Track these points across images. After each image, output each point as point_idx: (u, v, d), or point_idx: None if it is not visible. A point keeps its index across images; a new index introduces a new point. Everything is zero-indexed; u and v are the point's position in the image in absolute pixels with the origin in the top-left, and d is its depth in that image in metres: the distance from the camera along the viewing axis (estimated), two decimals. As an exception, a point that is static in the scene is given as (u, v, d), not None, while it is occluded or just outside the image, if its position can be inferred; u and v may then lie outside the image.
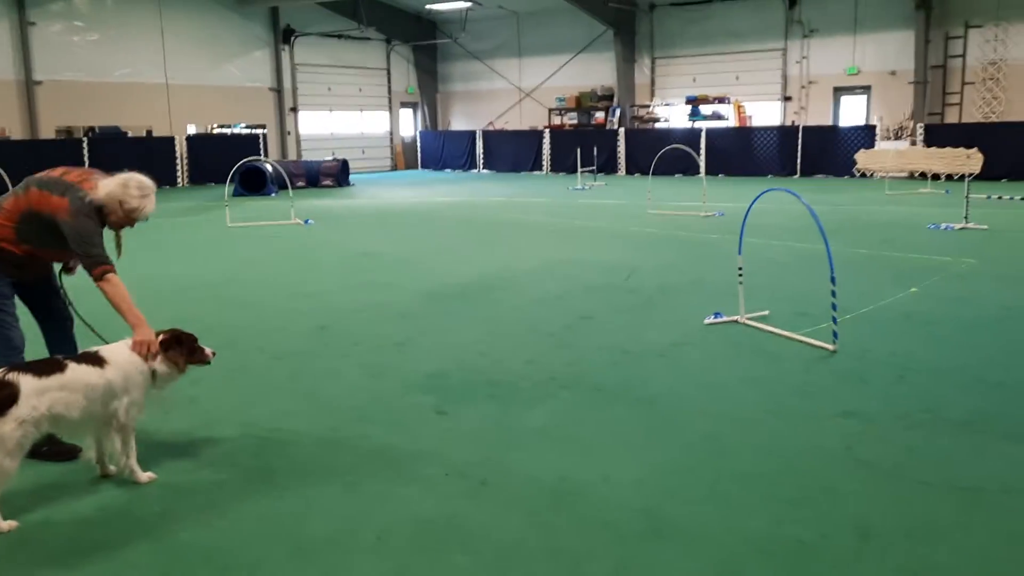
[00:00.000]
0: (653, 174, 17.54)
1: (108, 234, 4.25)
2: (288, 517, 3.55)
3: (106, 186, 4.12)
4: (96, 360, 3.78)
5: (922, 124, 21.19)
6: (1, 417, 3.42)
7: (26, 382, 3.51)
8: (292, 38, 26.64)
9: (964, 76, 21.88)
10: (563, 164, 25.96)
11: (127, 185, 4.12)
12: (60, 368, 3.66)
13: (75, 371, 3.69)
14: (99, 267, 4.06)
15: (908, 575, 3.06)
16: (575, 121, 27.99)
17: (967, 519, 3.45)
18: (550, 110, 28.42)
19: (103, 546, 3.33)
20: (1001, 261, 9.32)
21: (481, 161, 28.19)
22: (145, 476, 3.89)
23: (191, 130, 24.15)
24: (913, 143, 20.95)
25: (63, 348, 4.31)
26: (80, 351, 4.06)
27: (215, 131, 24.91)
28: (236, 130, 25.16)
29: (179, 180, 22.72)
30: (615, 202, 16.92)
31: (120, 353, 3.88)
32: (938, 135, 20.36)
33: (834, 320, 5.90)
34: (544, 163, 26.80)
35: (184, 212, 16.14)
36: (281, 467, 4.06)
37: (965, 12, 21.55)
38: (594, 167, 23.31)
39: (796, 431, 4.44)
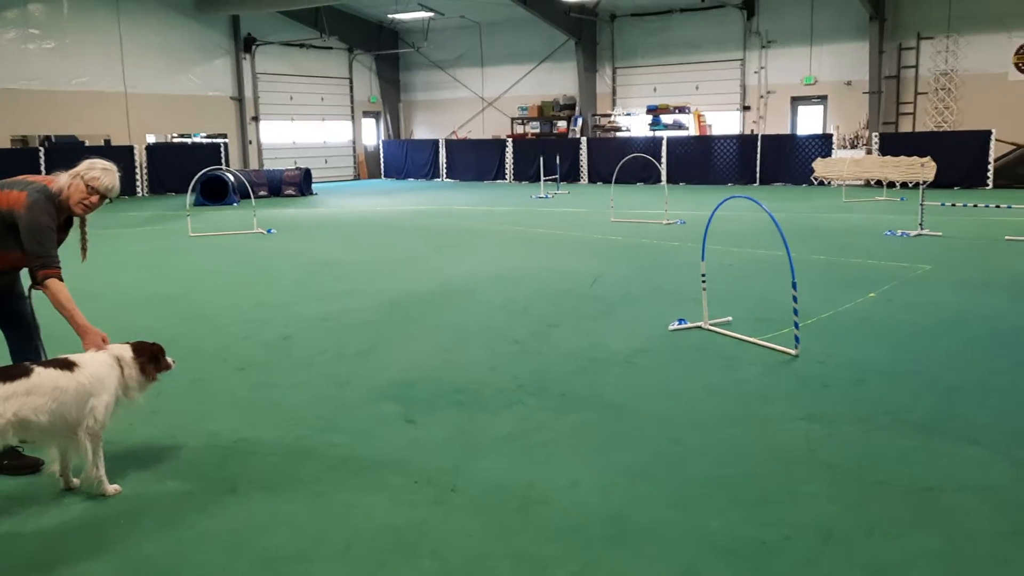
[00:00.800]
0: (615, 183, 17.69)
1: (73, 242, 4.19)
2: (254, 528, 3.52)
3: (67, 173, 4.13)
4: (66, 364, 3.75)
5: (877, 133, 21.65)
6: None
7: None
8: (253, 47, 26.43)
9: (917, 86, 22.42)
10: (526, 173, 26.07)
11: (92, 166, 4.16)
12: (26, 373, 3.61)
13: (42, 375, 3.64)
14: (46, 269, 4.03)
15: (870, 574, 3.13)
16: (537, 130, 28.13)
17: (925, 518, 3.53)
18: (512, 119, 28.53)
19: (66, 560, 3.28)
20: (956, 267, 9.55)
21: (444, 170, 28.19)
22: (111, 488, 3.83)
23: (151, 139, 23.82)
24: (869, 152, 21.40)
25: (29, 356, 4.23)
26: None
27: (175, 140, 24.59)
28: (197, 139, 24.87)
29: (139, 190, 22.38)
30: (578, 210, 17.03)
31: (92, 357, 3.85)
32: (893, 144, 20.82)
33: (796, 325, 6.00)
34: (507, 172, 26.89)
35: (144, 222, 15.91)
36: (246, 478, 4.02)
37: (917, 24, 22.10)
38: (557, 176, 23.44)
39: (759, 435, 4.50)
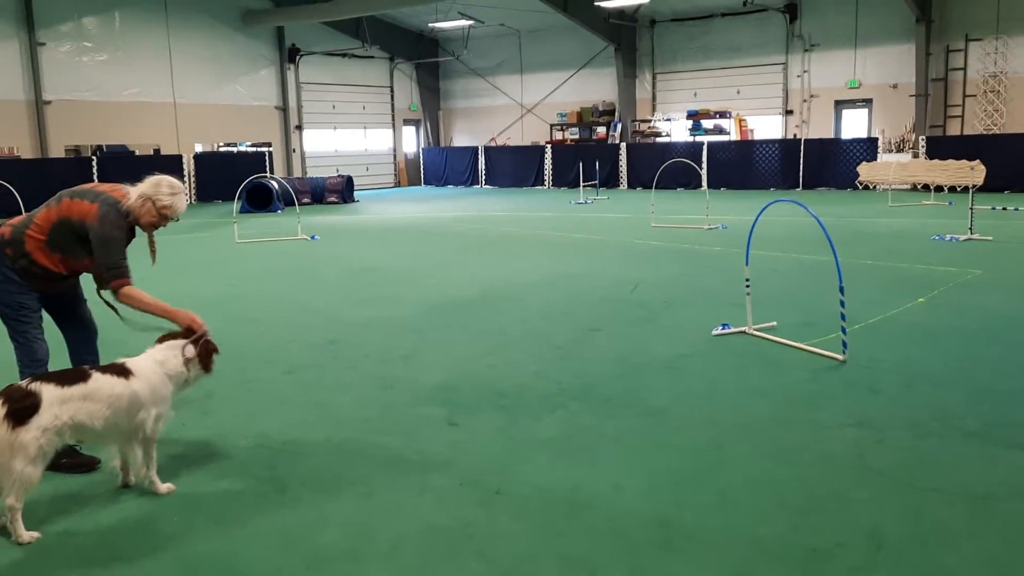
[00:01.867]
0: (655, 188, 17.61)
1: (140, 244, 4.30)
2: (303, 527, 3.57)
3: (137, 190, 4.23)
4: (122, 371, 3.82)
5: (924, 136, 21.26)
6: (23, 425, 3.45)
7: (49, 391, 3.55)
8: (297, 57, 26.84)
9: (965, 89, 21.97)
10: (565, 179, 26.07)
11: (159, 185, 4.25)
12: (84, 378, 3.70)
13: (99, 381, 3.72)
14: (119, 279, 4.15)
15: (922, 581, 3.07)
16: (576, 136, 28.11)
17: (979, 526, 3.46)
18: (551, 125, 28.55)
19: (121, 557, 3.36)
20: (1007, 272, 9.34)
21: (483, 177, 28.31)
22: (164, 487, 3.92)
23: (198, 148, 24.30)
24: (915, 155, 21.02)
25: (87, 358, 4.35)
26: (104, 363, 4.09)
27: (221, 149, 25.06)
28: (242, 148, 25.31)
29: (187, 198, 22.81)
30: (618, 216, 16.98)
31: (146, 365, 3.92)
32: (940, 147, 20.43)
33: (843, 330, 5.92)
34: (546, 178, 26.91)
35: (192, 229, 16.23)
36: (295, 478, 4.09)
37: (966, 25, 21.67)
38: (596, 181, 23.40)
39: (807, 440, 4.45)
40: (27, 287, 4.20)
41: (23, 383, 3.61)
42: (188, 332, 4.16)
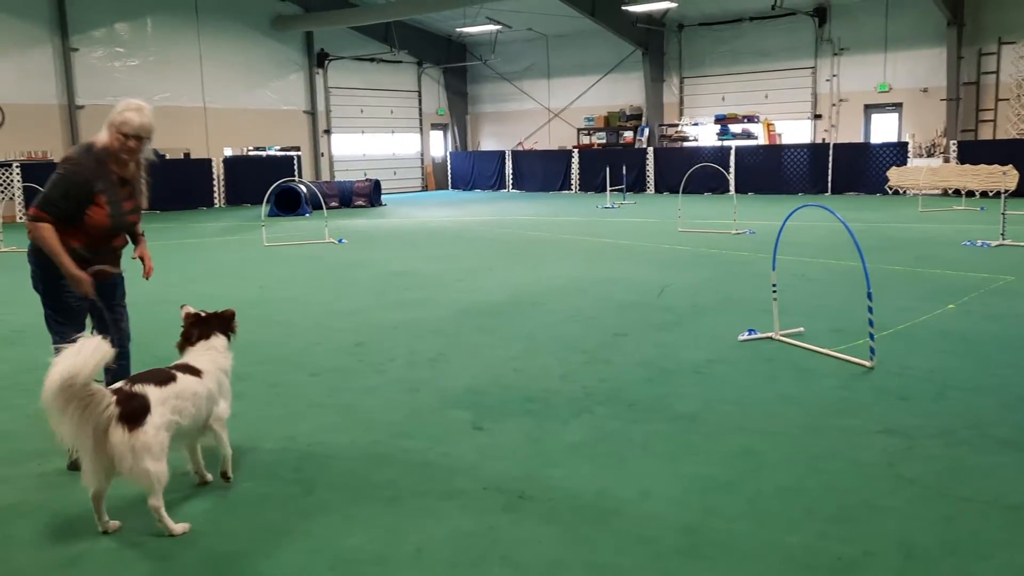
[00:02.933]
0: (683, 193, 17.53)
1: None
2: (329, 530, 3.59)
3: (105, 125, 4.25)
4: (193, 371, 3.94)
5: (955, 141, 20.98)
6: (140, 427, 3.52)
7: (152, 391, 3.65)
8: (326, 62, 27.07)
9: (998, 93, 21.66)
10: (592, 183, 26.04)
11: (120, 108, 4.24)
12: (172, 378, 3.80)
13: (184, 380, 3.83)
14: (36, 210, 4.15)
15: (954, 592, 3.03)
16: (604, 140, 28.08)
17: (1013, 537, 3.40)
18: (579, 130, 28.54)
19: (149, 555, 3.40)
20: (1041, 278, 9.18)
21: (510, 181, 28.36)
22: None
23: (228, 152, 24.58)
24: (946, 160, 20.75)
25: (118, 363, 4.35)
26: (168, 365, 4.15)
27: (251, 153, 25.33)
28: (271, 152, 25.57)
29: (216, 201, 23.12)
30: (645, 220, 16.93)
31: (210, 362, 4.06)
32: (972, 152, 20.16)
33: (871, 336, 5.86)
34: (573, 182, 26.89)
35: (221, 232, 16.41)
36: (322, 481, 4.11)
37: (998, 28, 21.36)
38: (623, 186, 23.35)
39: (836, 447, 4.41)
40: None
41: (122, 385, 3.67)
42: (197, 318, 4.25)
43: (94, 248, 4.34)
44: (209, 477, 4.12)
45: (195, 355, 4.09)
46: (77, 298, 4.33)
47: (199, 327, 4.20)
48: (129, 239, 4.61)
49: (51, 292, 4.34)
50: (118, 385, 3.66)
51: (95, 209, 4.23)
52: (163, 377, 3.77)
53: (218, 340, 4.19)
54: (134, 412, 3.52)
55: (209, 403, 3.94)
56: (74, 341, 3.51)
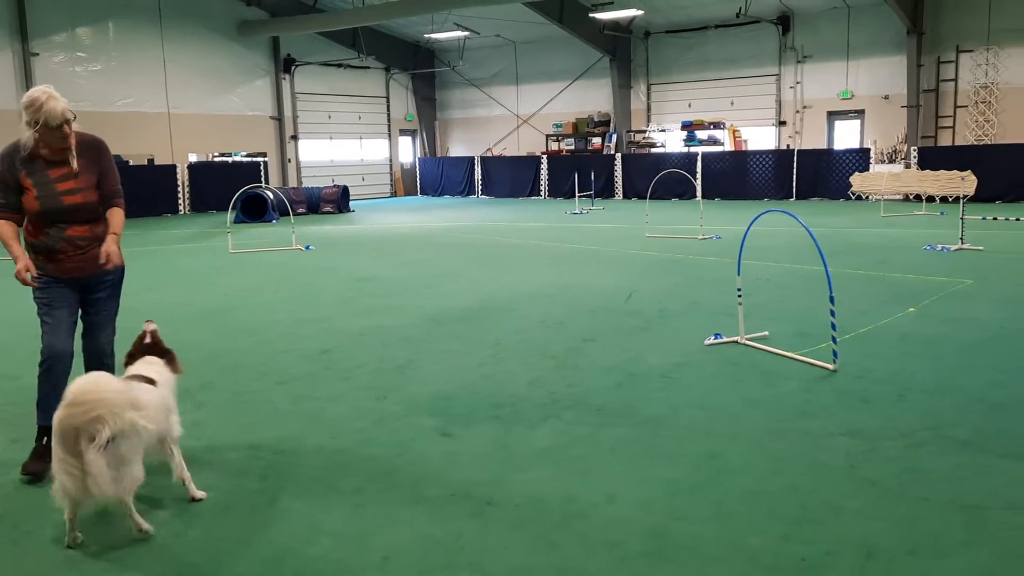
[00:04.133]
0: (650, 198, 17.67)
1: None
2: (295, 539, 3.56)
3: None
4: (148, 380, 3.92)
5: (916, 147, 21.37)
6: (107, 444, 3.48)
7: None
8: (292, 67, 26.90)
9: (956, 99, 22.10)
10: (560, 189, 26.13)
11: (35, 91, 4.22)
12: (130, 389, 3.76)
13: (143, 389, 3.80)
14: None
15: (913, 591, 3.08)
16: (572, 147, 28.19)
17: (971, 537, 3.47)
18: (547, 136, 28.64)
19: (114, 567, 3.35)
20: (998, 281, 9.38)
21: (480, 187, 28.36)
22: (200, 493, 4.00)
23: (192, 158, 24.29)
24: (907, 166, 21.12)
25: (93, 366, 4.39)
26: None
27: (216, 159, 25.07)
28: (237, 158, 25.33)
29: (181, 208, 22.83)
30: (613, 226, 17.03)
31: (162, 372, 4.05)
32: (932, 158, 20.53)
33: (834, 340, 5.95)
34: (542, 188, 26.97)
35: (186, 239, 16.22)
36: (287, 489, 4.08)
37: (956, 37, 21.81)
38: (591, 192, 23.46)
39: (799, 450, 4.46)
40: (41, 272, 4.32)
41: None
42: (142, 341, 4.27)
43: (42, 237, 4.30)
44: (202, 494, 4.00)
45: (143, 366, 4.06)
46: (52, 289, 4.32)
47: (147, 349, 4.22)
48: None
49: (38, 294, 4.36)
50: None
51: (27, 194, 4.27)
52: (126, 385, 3.72)
53: (155, 359, 4.18)
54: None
55: (164, 414, 3.89)
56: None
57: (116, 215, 4.43)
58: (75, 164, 4.30)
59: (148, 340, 4.27)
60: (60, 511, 3.52)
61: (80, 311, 4.48)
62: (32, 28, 20.93)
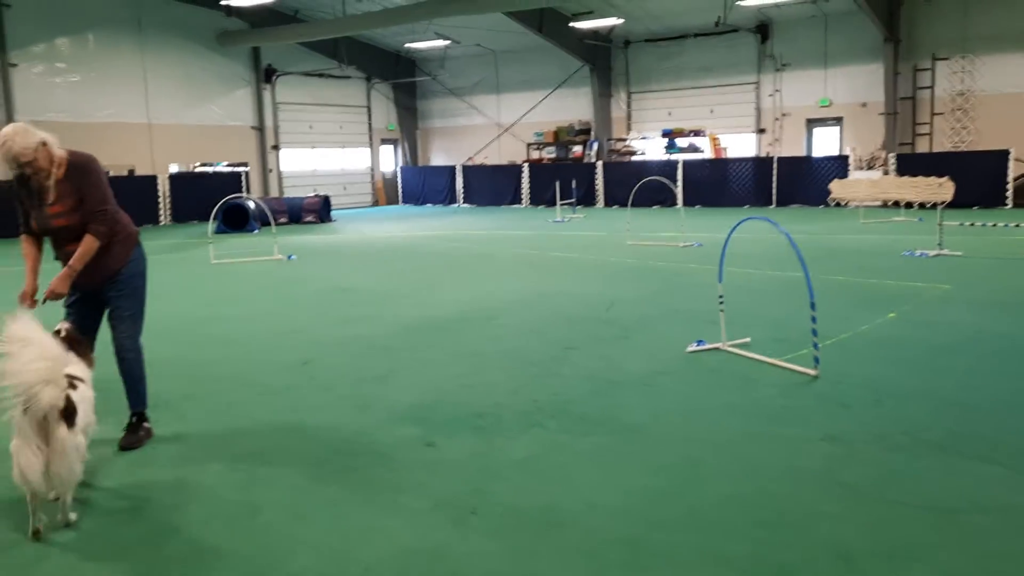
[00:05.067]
0: (631, 206, 17.74)
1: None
2: (277, 552, 3.56)
3: None
4: (77, 379, 4.04)
5: (894, 154, 21.62)
6: (75, 426, 3.74)
7: (73, 395, 3.79)
8: (273, 77, 26.86)
9: (933, 107, 22.39)
10: (542, 197, 26.20)
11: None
12: (74, 386, 3.90)
13: (81, 388, 3.97)
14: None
15: (888, 594, 3.12)
16: (553, 155, 28.31)
17: (945, 539, 3.52)
18: (528, 144, 28.73)
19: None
20: (975, 286, 9.50)
21: (461, 196, 28.40)
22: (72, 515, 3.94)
23: (173, 169, 24.18)
24: (885, 172, 21.36)
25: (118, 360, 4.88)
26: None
27: (197, 169, 24.96)
28: (218, 168, 25.23)
29: (162, 218, 22.70)
30: (594, 234, 17.09)
31: (85, 372, 4.20)
32: (910, 164, 20.77)
33: (815, 346, 6.00)
34: (523, 196, 27.03)
35: (167, 250, 16.13)
36: (268, 502, 4.07)
37: (932, 45, 22.12)
38: (573, 200, 23.54)
39: (777, 455, 4.51)
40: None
41: None
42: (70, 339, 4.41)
43: (54, 254, 4.74)
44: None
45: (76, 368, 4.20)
46: (73, 300, 4.77)
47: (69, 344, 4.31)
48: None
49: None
50: None
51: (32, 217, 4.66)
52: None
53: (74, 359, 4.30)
54: (70, 411, 3.71)
55: (91, 408, 4.09)
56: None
57: (84, 244, 4.61)
58: (51, 195, 4.57)
59: (63, 336, 4.38)
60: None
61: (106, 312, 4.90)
62: (10, 39, 20.79)
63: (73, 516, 3.82)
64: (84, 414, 3.89)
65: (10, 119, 20.79)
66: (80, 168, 4.63)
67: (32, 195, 4.59)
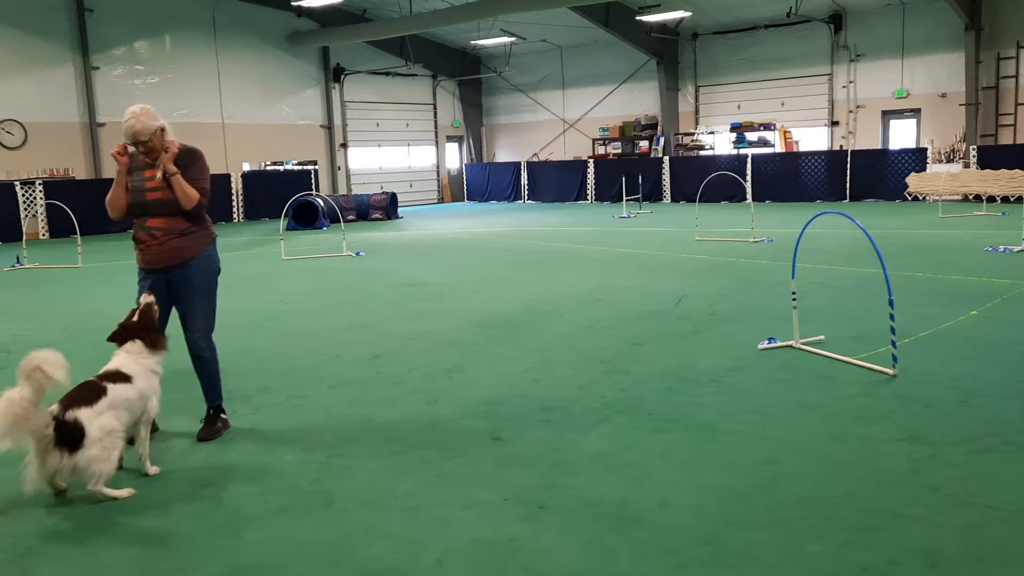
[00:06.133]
0: (699, 201, 17.48)
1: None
2: (351, 541, 3.60)
3: None
4: (123, 377, 4.27)
5: (975, 146, 20.81)
6: (81, 448, 3.94)
7: (84, 414, 3.99)
8: (342, 76, 27.28)
9: (1017, 97, 21.47)
10: (607, 193, 26.03)
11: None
12: (103, 391, 4.13)
13: (115, 391, 4.17)
14: None
15: (981, 601, 2.99)
16: (619, 150, 28.08)
17: (1040, 545, 3.36)
18: (594, 140, 28.56)
19: (172, 570, 3.42)
20: (1064, 283, 9.08)
21: (526, 192, 28.40)
22: (153, 469, 4.42)
23: (246, 167, 24.78)
24: (966, 165, 20.58)
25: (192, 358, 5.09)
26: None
27: (269, 168, 25.55)
28: (289, 166, 25.77)
29: (235, 216, 23.31)
30: (662, 230, 16.89)
31: (135, 365, 4.39)
32: (992, 157, 19.99)
33: (893, 344, 5.81)
34: (589, 193, 26.90)
35: (240, 246, 16.54)
36: (342, 492, 4.12)
37: (1017, 32, 21.21)
38: (639, 195, 23.32)
39: (858, 456, 4.37)
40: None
41: (56, 410, 3.99)
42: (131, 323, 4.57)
43: (131, 229, 5.02)
44: (155, 469, 4.42)
45: (122, 359, 4.42)
46: (144, 281, 4.96)
47: (126, 332, 4.53)
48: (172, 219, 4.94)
49: (139, 284, 5.02)
50: (53, 409, 3.98)
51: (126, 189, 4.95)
52: (94, 392, 4.10)
53: (135, 345, 4.49)
54: (68, 435, 3.90)
55: (142, 402, 4.32)
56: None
57: (185, 185, 4.91)
58: (159, 173, 4.86)
59: (135, 319, 4.56)
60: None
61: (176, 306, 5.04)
62: (92, 42, 21.58)
63: (121, 492, 4.13)
64: (117, 416, 4.12)
65: (92, 120, 21.61)
66: (190, 154, 4.99)
67: (135, 168, 4.92)
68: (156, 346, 4.55)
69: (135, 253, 4.97)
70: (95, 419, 4.00)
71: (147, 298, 4.67)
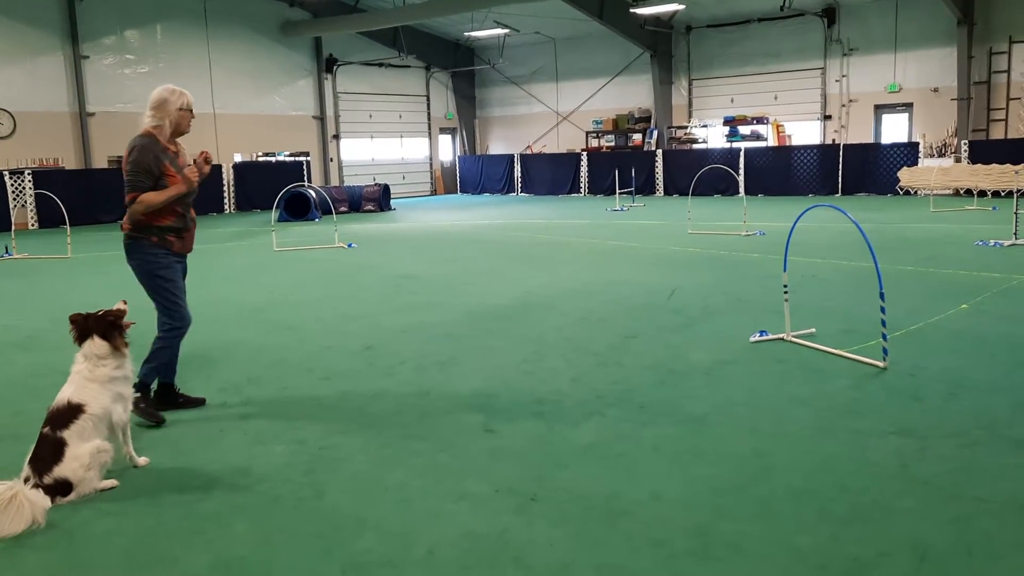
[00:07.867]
0: (692, 194, 17.49)
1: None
2: (341, 533, 3.59)
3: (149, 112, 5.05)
4: (75, 412, 4.08)
5: (966, 141, 20.87)
6: (66, 496, 3.97)
7: (65, 467, 3.96)
8: (334, 67, 27.17)
9: (1009, 92, 21.54)
10: (601, 186, 26.03)
11: (165, 89, 5.10)
12: (63, 444, 4.00)
13: (72, 433, 4.02)
14: (131, 194, 4.91)
15: (969, 593, 3.01)
16: (612, 143, 28.07)
17: (1028, 537, 3.38)
18: (587, 133, 28.54)
19: (162, 560, 3.41)
20: (1054, 277, 9.12)
21: (519, 184, 28.37)
22: (141, 460, 4.42)
23: (237, 158, 24.68)
24: (958, 160, 20.65)
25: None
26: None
27: (260, 159, 25.45)
28: (280, 157, 25.67)
29: (226, 207, 23.21)
30: (654, 223, 16.90)
31: (89, 384, 4.19)
32: (983, 151, 20.05)
33: (884, 337, 5.83)
34: (582, 185, 26.89)
35: (231, 238, 16.48)
36: (332, 484, 4.12)
37: (1009, 27, 21.26)
38: (632, 188, 23.33)
39: (848, 448, 4.38)
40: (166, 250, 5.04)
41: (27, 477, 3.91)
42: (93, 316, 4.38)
43: (175, 219, 5.06)
44: (144, 461, 4.43)
45: (74, 380, 4.20)
46: (175, 267, 5.09)
47: (80, 330, 4.33)
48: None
49: (167, 273, 5.03)
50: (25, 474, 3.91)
51: (171, 179, 4.98)
52: (52, 449, 3.96)
53: (94, 345, 4.27)
54: (52, 493, 3.89)
55: (105, 419, 4.18)
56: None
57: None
58: (187, 156, 5.16)
59: (101, 312, 4.38)
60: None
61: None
62: (82, 31, 21.43)
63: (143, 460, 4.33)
64: (90, 443, 4.03)
65: (82, 110, 21.47)
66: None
67: (172, 159, 5.04)
68: (115, 345, 4.30)
69: (168, 240, 5.04)
70: (71, 463, 3.94)
71: (123, 305, 4.48)
